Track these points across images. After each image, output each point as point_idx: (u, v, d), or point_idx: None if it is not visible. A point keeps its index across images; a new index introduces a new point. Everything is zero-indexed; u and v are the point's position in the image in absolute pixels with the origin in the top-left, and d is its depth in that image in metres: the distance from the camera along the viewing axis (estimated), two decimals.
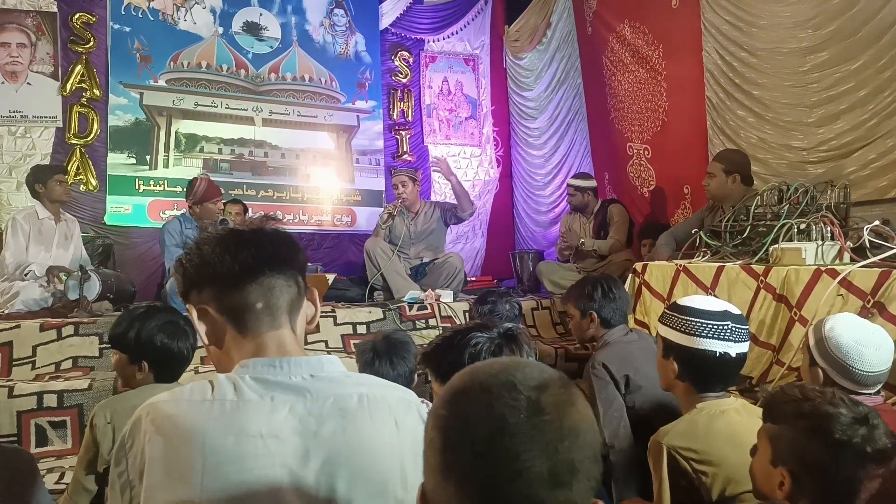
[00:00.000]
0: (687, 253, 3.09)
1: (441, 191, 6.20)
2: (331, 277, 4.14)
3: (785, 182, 2.72)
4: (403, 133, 6.32)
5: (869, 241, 2.24)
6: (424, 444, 0.67)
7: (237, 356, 0.94)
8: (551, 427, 0.61)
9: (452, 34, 6.56)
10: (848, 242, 2.31)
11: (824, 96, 3.21)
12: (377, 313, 3.73)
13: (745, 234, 2.71)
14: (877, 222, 2.30)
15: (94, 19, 5.18)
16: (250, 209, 5.17)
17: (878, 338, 1.53)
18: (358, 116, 6.19)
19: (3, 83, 4.89)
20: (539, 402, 0.62)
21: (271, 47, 5.85)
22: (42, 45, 5.02)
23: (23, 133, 4.93)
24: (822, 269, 2.21)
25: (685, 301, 1.60)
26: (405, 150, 6.31)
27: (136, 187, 5.28)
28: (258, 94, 5.76)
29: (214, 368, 1.01)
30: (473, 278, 5.29)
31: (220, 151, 5.61)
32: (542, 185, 6.22)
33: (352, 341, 3.56)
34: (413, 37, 6.43)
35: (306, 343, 3.33)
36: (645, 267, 3.13)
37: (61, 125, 5.03)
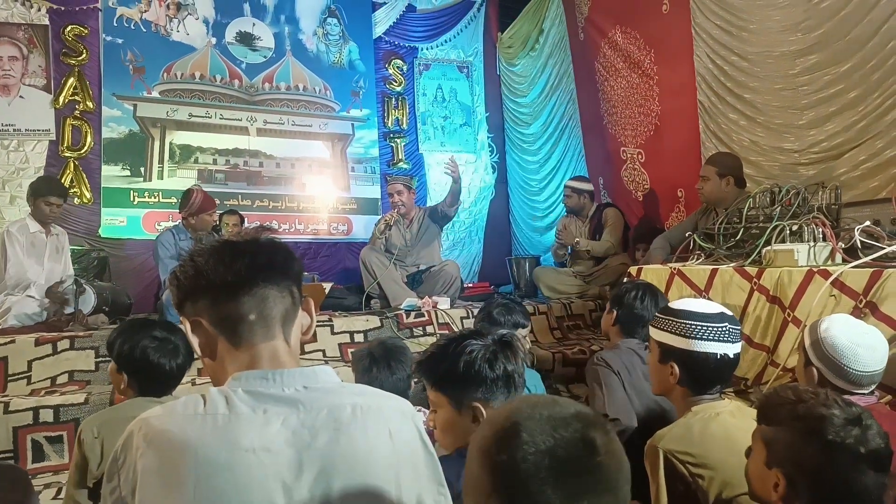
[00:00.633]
0: (681, 256, 3.10)
1: (441, 192, 6.24)
2: (327, 286, 4.14)
3: (777, 184, 2.74)
4: (398, 141, 6.34)
5: (860, 241, 2.25)
6: (466, 483, 0.72)
7: (231, 368, 0.94)
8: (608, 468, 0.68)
9: (446, 42, 6.59)
10: (840, 243, 2.32)
11: (815, 99, 3.23)
12: (374, 322, 3.73)
13: (738, 237, 2.72)
14: (868, 223, 2.31)
15: (87, 31, 5.19)
16: (245, 219, 5.18)
17: (873, 338, 1.54)
18: (352, 125, 6.20)
19: None
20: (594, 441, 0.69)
21: (265, 57, 5.87)
22: (34, 57, 5.03)
23: (16, 146, 4.93)
24: (815, 269, 2.22)
25: (680, 305, 1.60)
26: (400, 157, 6.33)
27: (131, 199, 5.28)
28: (252, 103, 5.77)
29: (210, 380, 1.01)
30: (470, 285, 5.29)
31: (214, 162, 5.62)
32: (537, 190, 6.24)
33: (349, 350, 3.56)
34: (407, 45, 6.46)
35: (303, 353, 3.33)
36: (640, 270, 3.14)
37: (54, 138, 5.03)
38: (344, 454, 0.87)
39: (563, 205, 4.98)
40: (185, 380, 1.94)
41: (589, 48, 5.19)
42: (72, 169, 5.07)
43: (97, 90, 5.22)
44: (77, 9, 5.17)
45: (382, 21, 6.32)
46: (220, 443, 0.83)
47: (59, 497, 2.34)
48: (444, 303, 4.01)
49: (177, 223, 4.15)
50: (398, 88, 6.38)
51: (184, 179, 5.41)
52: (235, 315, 0.94)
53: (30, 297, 3.61)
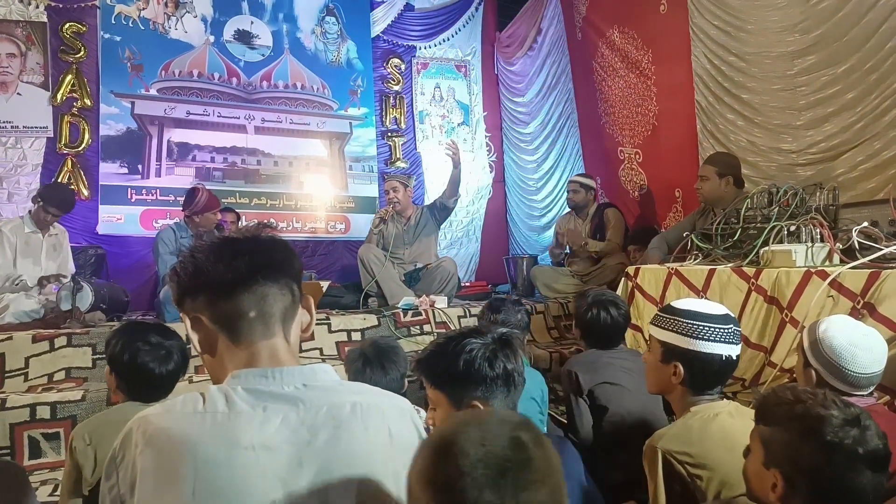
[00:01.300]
0: (679, 256, 3.10)
1: (439, 190, 6.23)
2: (325, 284, 4.13)
3: (775, 184, 2.75)
4: (396, 139, 6.33)
5: (858, 242, 2.26)
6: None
7: (230, 365, 0.94)
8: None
9: (444, 41, 6.58)
10: (837, 244, 2.33)
11: (812, 99, 3.24)
12: (372, 320, 3.73)
13: (735, 237, 2.73)
14: (865, 224, 2.31)
15: (85, 28, 5.17)
16: (243, 217, 5.17)
17: (871, 340, 1.54)
18: (350, 123, 6.19)
19: None
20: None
21: (263, 55, 5.85)
22: (32, 54, 5.01)
23: (13, 144, 4.91)
24: (813, 270, 2.22)
25: (684, 304, 1.59)
26: (398, 156, 6.32)
27: (129, 196, 5.26)
28: (250, 102, 5.76)
29: (209, 377, 1.00)
30: (468, 283, 5.29)
31: (212, 160, 5.60)
32: (534, 189, 6.24)
33: (346, 348, 3.56)
34: (405, 44, 6.45)
35: (301, 351, 3.32)
36: (637, 270, 3.14)
37: (52, 135, 5.01)
38: (343, 452, 0.87)
39: (565, 202, 4.95)
40: (181, 378, 1.94)
41: (587, 48, 5.20)
42: (69, 166, 5.05)
43: (95, 87, 5.21)
44: (75, 6, 5.15)
45: (381, 20, 6.31)
46: (219, 441, 0.83)
47: (56, 494, 2.34)
48: (441, 301, 4.01)
49: (177, 220, 4.14)
50: (396, 87, 6.38)
51: (181, 177, 5.40)
52: (235, 312, 0.94)
53: (29, 292, 3.61)
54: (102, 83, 5.23)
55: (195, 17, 5.60)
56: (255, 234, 1.00)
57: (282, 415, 0.87)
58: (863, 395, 1.51)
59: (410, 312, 3.83)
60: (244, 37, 5.78)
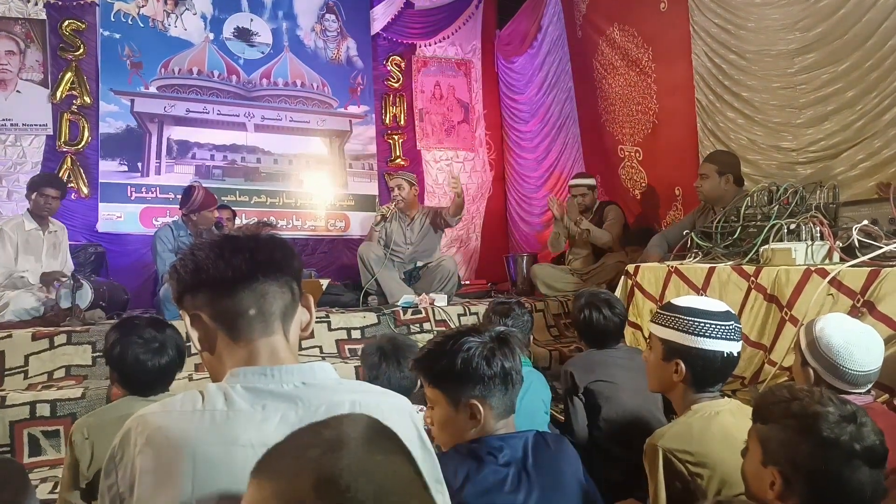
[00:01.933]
0: (678, 254, 3.10)
1: (438, 192, 6.24)
2: (325, 282, 4.13)
3: (775, 183, 2.75)
4: (396, 138, 6.33)
5: (858, 240, 2.26)
6: None
7: (230, 362, 0.94)
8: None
9: (444, 38, 6.57)
10: (837, 242, 2.32)
11: (812, 98, 3.23)
12: (371, 318, 3.73)
13: (735, 235, 2.73)
14: (865, 222, 2.31)
15: (84, 26, 5.17)
16: (243, 215, 5.17)
17: (869, 338, 1.54)
18: (350, 121, 6.19)
19: None
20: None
21: (263, 53, 5.85)
22: (31, 52, 5.00)
23: (13, 141, 4.91)
24: (812, 268, 2.22)
25: (685, 302, 1.58)
26: (398, 154, 6.32)
27: (128, 194, 5.26)
28: (250, 99, 5.75)
29: (209, 374, 1.01)
30: (468, 282, 5.29)
31: (212, 157, 5.60)
32: (534, 188, 6.23)
33: (346, 346, 3.56)
34: (405, 41, 6.43)
35: (301, 349, 3.32)
36: (637, 268, 3.14)
37: (52, 133, 5.01)
38: None
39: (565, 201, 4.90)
40: (181, 375, 1.94)
41: (587, 46, 5.19)
42: (69, 164, 5.05)
43: (94, 85, 5.21)
44: (74, 3, 5.15)
45: (381, 17, 6.30)
46: (217, 439, 0.83)
47: (56, 491, 2.34)
48: (441, 300, 4.01)
49: (175, 219, 4.14)
50: (396, 85, 6.37)
51: (181, 175, 5.40)
52: (234, 310, 0.94)
53: (31, 289, 3.62)
54: (102, 81, 5.23)
55: (195, 14, 5.60)
56: (256, 232, 1.00)
57: (281, 413, 0.87)
58: (860, 394, 1.51)
59: (410, 310, 3.83)
60: (244, 34, 5.78)
